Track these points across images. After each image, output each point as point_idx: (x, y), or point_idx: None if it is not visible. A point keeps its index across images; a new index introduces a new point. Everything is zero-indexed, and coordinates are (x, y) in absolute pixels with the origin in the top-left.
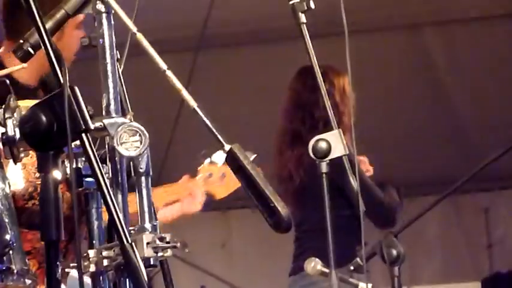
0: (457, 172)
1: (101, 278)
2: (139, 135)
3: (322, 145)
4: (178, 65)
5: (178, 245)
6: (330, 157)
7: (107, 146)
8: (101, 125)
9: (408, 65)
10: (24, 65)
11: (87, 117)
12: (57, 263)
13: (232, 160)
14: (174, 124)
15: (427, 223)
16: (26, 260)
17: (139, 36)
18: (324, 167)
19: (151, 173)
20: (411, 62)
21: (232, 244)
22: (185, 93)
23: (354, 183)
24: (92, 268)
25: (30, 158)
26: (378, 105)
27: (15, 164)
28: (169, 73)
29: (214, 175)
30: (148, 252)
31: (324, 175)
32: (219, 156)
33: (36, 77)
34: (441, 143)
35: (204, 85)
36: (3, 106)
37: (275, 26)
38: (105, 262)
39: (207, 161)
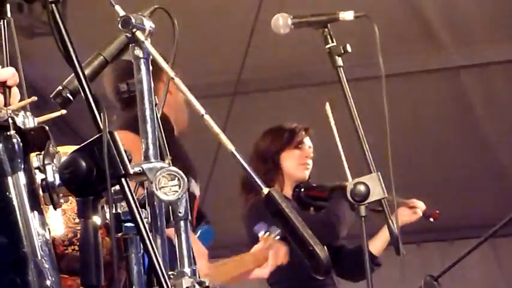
0: (497, 215)
1: None
2: (178, 179)
3: (361, 188)
4: (215, 109)
5: None
6: (368, 200)
7: (146, 191)
8: (140, 170)
9: (446, 108)
10: (63, 111)
11: (127, 162)
12: None
13: (270, 204)
14: (212, 169)
15: (468, 267)
16: None
17: (177, 81)
18: (363, 210)
19: (190, 217)
20: (448, 105)
21: None
22: (223, 137)
23: (393, 227)
24: None
25: (70, 204)
26: (414, 148)
27: (55, 209)
28: (207, 117)
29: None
30: None
31: (363, 219)
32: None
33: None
34: (481, 185)
35: (240, 130)
36: (42, 152)
37: (310, 70)
38: None
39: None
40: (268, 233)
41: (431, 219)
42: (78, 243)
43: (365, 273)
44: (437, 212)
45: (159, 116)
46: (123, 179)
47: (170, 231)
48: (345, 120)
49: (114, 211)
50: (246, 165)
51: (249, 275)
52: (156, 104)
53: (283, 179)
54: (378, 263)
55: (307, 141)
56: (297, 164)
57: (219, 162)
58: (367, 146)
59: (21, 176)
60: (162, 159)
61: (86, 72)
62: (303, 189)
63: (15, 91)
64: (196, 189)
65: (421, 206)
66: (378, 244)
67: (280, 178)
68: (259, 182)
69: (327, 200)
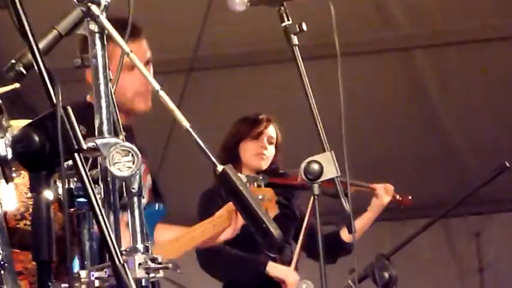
0: (448, 195)
1: None
2: (132, 155)
3: (315, 167)
4: (170, 86)
5: (170, 266)
6: (322, 179)
7: (99, 166)
8: (93, 145)
9: (400, 87)
10: (17, 85)
11: (80, 137)
12: (49, 283)
13: (225, 181)
14: (166, 145)
15: (419, 246)
16: (18, 281)
17: (132, 56)
18: (316, 189)
19: (143, 194)
20: (403, 85)
21: None
22: (178, 113)
23: (346, 205)
24: None
25: (22, 178)
26: (368, 127)
27: (7, 184)
28: (162, 93)
29: (264, 199)
30: (140, 273)
31: (315, 197)
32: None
33: None
34: (433, 166)
35: (195, 107)
36: None
37: (267, 48)
38: (97, 283)
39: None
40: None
41: (402, 206)
42: (30, 218)
43: (336, 257)
44: (409, 197)
45: (113, 91)
46: (76, 154)
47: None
48: (301, 99)
49: (66, 186)
50: (200, 142)
51: (213, 241)
52: (110, 79)
53: (241, 170)
54: (348, 249)
55: (270, 131)
56: (251, 154)
57: (173, 140)
58: (321, 124)
59: None
60: (116, 134)
61: (40, 46)
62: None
63: None
64: None
65: (385, 186)
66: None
67: (239, 167)
68: (213, 159)
69: (286, 187)
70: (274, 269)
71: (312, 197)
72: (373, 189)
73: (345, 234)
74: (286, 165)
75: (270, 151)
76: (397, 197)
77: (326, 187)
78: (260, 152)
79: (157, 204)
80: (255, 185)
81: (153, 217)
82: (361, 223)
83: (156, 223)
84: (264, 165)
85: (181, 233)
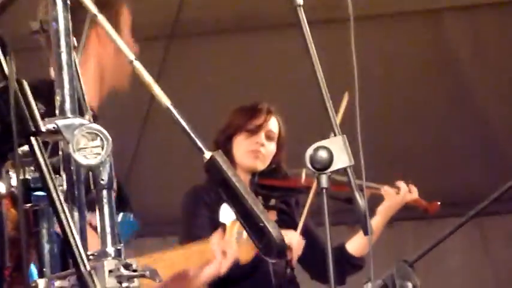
0: (483, 189)
1: None
2: (101, 139)
3: (323, 154)
4: (148, 54)
5: (148, 273)
6: (331, 169)
7: (61, 153)
8: (54, 127)
9: (425, 58)
10: None
11: (38, 117)
12: None
13: (213, 171)
14: (143, 126)
15: (448, 251)
16: None
17: (101, 18)
18: (324, 181)
19: (114, 186)
20: (429, 56)
21: None
22: (156, 89)
23: (361, 201)
24: None
25: None
26: (385, 109)
27: None
28: (136, 64)
29: (244, 235)
30: (110, 282)
31: (324, 191)
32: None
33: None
34: (464, 154)
35: (177, 81)
36: None
37: (263, 10)
38: None
39: (231, 217)
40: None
41: (429, 213)
42: None
43: (343, 276)
44: (437, 203)
45: (78, 61)
46: (33, 138)
47: None
48: (306, 70)
49: (21, 177)
50: (183, 123)
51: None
52: (74, 47)
53: (235, 168)
54: (357, 264)
55: (270, 124)
56: (245, 152)
57: (151, 122)
58: (331, 103)
59: None
60: (82, 114)
61: None
62: (257, 177)
63: None
64: None
65: (410, 188)
66: (358, 241)
67: (233, 166)
68: (199, 144)
69: (288, 190)
70: None
71: (320, 191)
72: (397, 188)
73: (352, 247)
74: (290, 160)
75: (269, 148)
76: (422, 202)
77: (335, 190)
78: (255, 149)
79: (129, 215)
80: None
81: (123, 231)
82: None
83: (127, 240)
84: (261, 165)
85: (159, 256)
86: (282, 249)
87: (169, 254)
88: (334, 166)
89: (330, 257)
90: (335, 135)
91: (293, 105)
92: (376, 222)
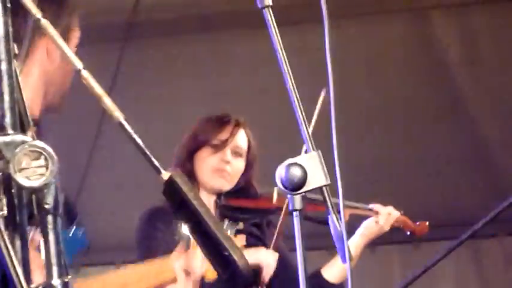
0: (477, 209)
1: None
2: (45, 158)
3: (296, 172)
4: (101, 59)
5: None
6: (305, 188)
7: (0, 174)
8: None
9: (411, 59)
10: None
11: None
12: None
13: (172, 193)
14: (93, 144)
15: (440, 277)
16: None
17: (45, 23)
18: (297, 202)
19: (60, 210)
20: (414, 56)
21: None
22: (108, 102)
23: (338, 223)
24: None
25: None
26: (368, 118)
27: None
28: (85, 73)
29: None
30: None
31: (297, 213)
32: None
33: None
34: (456, 170)
35: (132, 87)
36: None
37: (227, 10)
38: None
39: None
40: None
41: (417, 234)
42: None
43: None
44: (425, 223)
45: (18, 70)
46: None
47: None
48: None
49: None
50: (138, 139)
51: None
52: (15, 55)
53: (198, 188)
54: None
55: (238, 139)
56: (208, 170)
57: (103, 137)
58: (303, 114)
59: None
60: (23, 130)
61: None
62: (223, 197)
63: None
64: None
65: (389, 212)
66: (336, 266)
67: (195, 186)
68: (156, 163)
69: (258, 212)
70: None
71: (292, 214)
72: (375, 213)
73: (329, 273)
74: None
75: (235, 166)
76: (409, 223)
77: (310, 211)
78: (220, 168)
79: (73, 228)
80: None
81: (68, 248)
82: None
83: (74, 255)
84: (227, 185)
85: (109, 275)
86: (249, 281)
87: (122, 273)
88: (308, 186)
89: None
90: (309, 150)
91: (264, 115)
92: (356, 244)
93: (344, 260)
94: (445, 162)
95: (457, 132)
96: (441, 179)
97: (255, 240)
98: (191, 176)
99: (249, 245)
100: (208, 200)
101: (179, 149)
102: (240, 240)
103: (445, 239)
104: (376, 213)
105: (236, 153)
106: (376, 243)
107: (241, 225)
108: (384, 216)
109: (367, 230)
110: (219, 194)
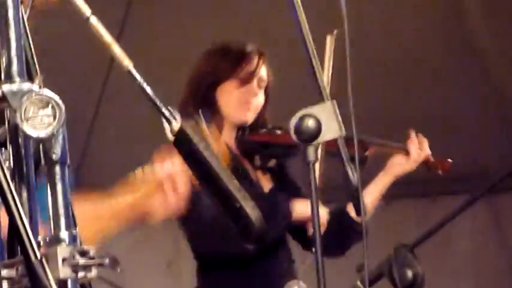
0: (496, 162)
1: None
2: (53, 107)
3: (310, 123)
4: (108, 10)
5: (107, 261)
6: (319, 140)
7: (6, 123)
8: None
9: (428, 11)
10: None
11: None
12: None
13: (182, 142)
14: (101, 92)
15: (455, 233)
16: None
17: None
18: (311, 153)
19: (68, 161)
20: (433, 8)
21: (181, 263)
22: (116, 49)
23: (352, 176)
24: None
25: None
26: (385, 67)
27: None
28: (93, 20)
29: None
30: (64, 271)
31: (310, 165)
32: None
33: None
34: (474, 123)
35: (141, 39)
36: None
37: None
38: (5, 285)
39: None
40: None
41: (440, 172)
42: None
43: (347, 245)
44: (449, 160)
45: (25, 17)
46: None
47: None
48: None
49: None
50: (147, 88)
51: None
52: (21, 1)
53: (221, 121)
54: (361, 231)
55: (263, 71)
56: (236, 103)
57: (111, 85)
58: (317, 61)
59: None
60: (31, 78)
61: None
62: (247, 132)
63: None
64: None
65: (424, 148)
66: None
67: (218, 119)
68: (167, 113)
69: (280, 147)
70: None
71: (307, 165)
72: (402, 150)
73: (354, 211)
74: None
75: (259, 99)
76: (431, 158)
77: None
78: (248, 101)
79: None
80: None
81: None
82: (373, 193)
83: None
84: (251, 118)
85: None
86: (262, 233)
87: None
88: (323, 137)
89: (318, 242)
90: (324, 100)
91: (277, 64)
92: (384, 183)
93: (359, 213)
94: (466, 117)
95: (476, 85)
96: (461, 132)
97: (281, 180)
98: (213, 109)
99: (277, 187)
100: (230, 134)
101: (194, 80)
102: (267, 180)
103: (462, 192)
104: (403, 149)
105: (260, 86)
106: (391, 196)
107: (272, 162)
108: (414, 143)
109: (394, 166)
110: (239, 129)
